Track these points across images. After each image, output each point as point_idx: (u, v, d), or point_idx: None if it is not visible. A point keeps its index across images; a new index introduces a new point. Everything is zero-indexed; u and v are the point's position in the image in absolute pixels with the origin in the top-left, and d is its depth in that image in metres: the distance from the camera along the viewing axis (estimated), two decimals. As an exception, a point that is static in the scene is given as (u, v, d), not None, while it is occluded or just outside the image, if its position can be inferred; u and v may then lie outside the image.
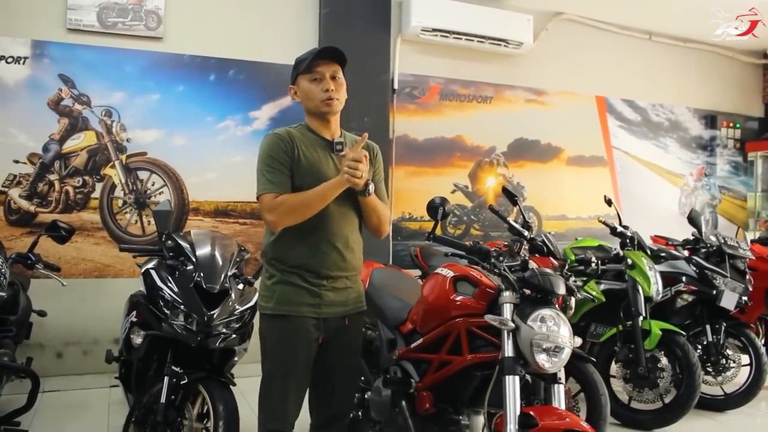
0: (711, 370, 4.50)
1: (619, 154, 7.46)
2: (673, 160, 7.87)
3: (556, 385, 2.49)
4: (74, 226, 4.12)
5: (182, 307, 3.01)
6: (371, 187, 2.39)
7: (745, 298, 4.48)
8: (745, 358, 4.54)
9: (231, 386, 3.01)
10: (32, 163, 4.98)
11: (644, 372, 4.03)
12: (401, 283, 3.60)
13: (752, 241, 5.60)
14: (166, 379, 2.93)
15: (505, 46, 6.42)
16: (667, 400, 4.07)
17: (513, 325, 2.45)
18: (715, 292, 4.43)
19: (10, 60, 4.88)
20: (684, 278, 4.58)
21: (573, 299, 2.68)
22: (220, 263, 3.19)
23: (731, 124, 8.24)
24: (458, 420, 2.78)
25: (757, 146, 8.34)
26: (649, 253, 4.52)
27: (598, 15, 7.11)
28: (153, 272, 3.30)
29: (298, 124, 2.57)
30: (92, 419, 4.15)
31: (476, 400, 2.71)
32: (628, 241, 4.44)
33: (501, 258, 2.66)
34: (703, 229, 4.81)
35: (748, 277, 4.60)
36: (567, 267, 2.85)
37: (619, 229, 4.50)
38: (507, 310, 2.52)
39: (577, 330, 2.67)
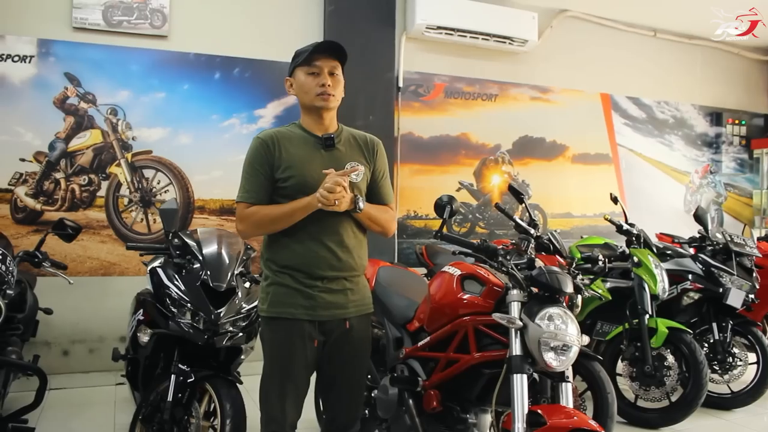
0: (718, 368, 4.48)
1: (625, 152, 7.44)
2: (679, 157, 7.85)
3: (563, 384, 2.48)
4: (80, 225, 4.12)
5: (189, 305, 3.01)
6: (360, 204, 2.35)
7: (751, 295, 4.46)
8: (752, 356, 4.52)
9: (238, 384, 3.03)
10: (38, 162, 4.99)
11: (651, 370, 4.01)
12: (408, 281, 3.59)
13: (759, 239, 5.58)
14: (173, 377, 2.94)
15: (509, 43, 6.42)
16: (673, 398, 4.06)
17: (521, 323, 2.44)
18: (721, 290, 4.41)
19: (16, 58, 4.90)
20: (690, 276, 4.55)
21: (580, 297, 2.67)
22: (227, 261, 3.19)
23: (737, 121, 8.21)
24: (465, 418, 2.78)
25: (763, 143, 8.32)
26: (655, 250, 4.51)
27: (603, 12, 7.10)
28: (160, 270, 3.30)
29: (290, 123, 2.54)
30: (98, 417, 4.16)
31: (484, 399, 2.70)
32: (634, 238, 4.43)
33: (508, 256, 2.66)
34: (710, 227, 4.79)
35: (754, 274, 4.57)
36: (574, 265, 2.85)
37: (625, 226, 4.48)
38: (515, 309, 2.51)
39: (583, 328, 2.67)
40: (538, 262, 2.67)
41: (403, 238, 6.18)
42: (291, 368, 2.38)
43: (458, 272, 2.87)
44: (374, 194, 2.52)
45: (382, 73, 5.96)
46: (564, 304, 2.53)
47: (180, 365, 2.97)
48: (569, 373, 2.49)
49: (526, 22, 6.40)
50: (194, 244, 3.28)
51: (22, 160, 4.95)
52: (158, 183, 5.34)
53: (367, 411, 3.29)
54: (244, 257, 3.35)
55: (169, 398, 2.90)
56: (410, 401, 2.90)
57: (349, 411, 2.56)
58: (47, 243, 3.81)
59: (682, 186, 7.86)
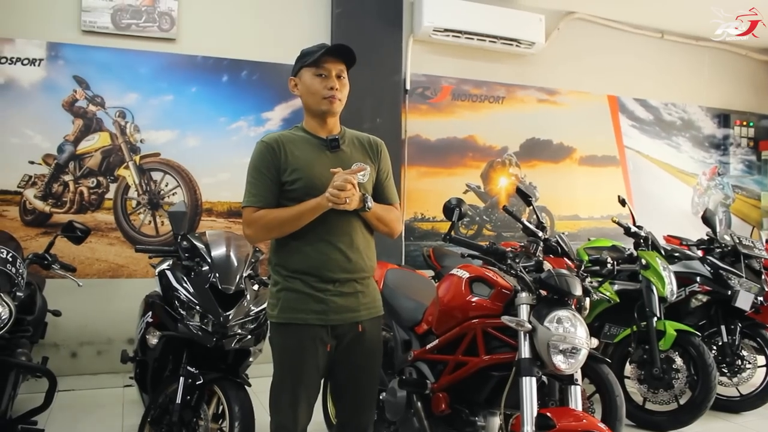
0: (726, 371, 4.46)
1: (632, 154, 7.43)
2: (686, 159, 7.82)
3: (572, 387, 2.48)
4: (89, 227, 4.13)
5: (198, 307, 3.03)
6: (369, 203, 2.33)
7: (760, 298, 4.44)
8: (761, 359, 4.51)
9: (246, 387, 3.03)
10: (47, 164, 5.01)
11: (659, 373, 4.00)
12: (416, 283, 3.59)
13: (767, 241, 5.56)
14: (181, 379, 2.95)
15: (517, 45, 6.41)
16: (682, 401, 4.05)
17: (530, 326, 2.44)
18: (730, 292, 4.40)
19: (25, 62, 4.92)
20: (698, 278, 4.54)
21: (588, 300, 2.67)
22: (235, 264, 3.20)
23: (744, 123, 8.18)
24: (474, 421, 2.77)
25: (771, 145, 8.28)
26: (663, 253, 4.51)
27: (610, 14, 7.08)
28: (168, 273, 3.32)
29: (294, 126, 2.52)
30: (107, 419, 4.17)
31: (492, 402, 2.70)
32: (641, 241, 4.42)
33: (517, 259, 2.66)
34: (718, 229, 4.78)
35: (763, 277, 4.56)
36: (582, 268, 2.85)
37: (633, 229, 4.47)
38: (523, 311, 2.51)
39: (591, 330, 2.66)
40: (547, 265, 2.68)
41: (410, 241, 6.18)
42: (303, 375, 2.35)
43: (467, 275, 2.87)
44: (379, 195, 2.50)
45: (390, 75, 5.96)
46: (572, 306, 2.53)
47: (189, 367, 2.98)
48: (578, 375, 2.50)
49: (533, 24, 6.40)
50: (203, 246, 3.29)
51: (31, 162, 4.96)
52: (166, 185, 5.35)
53: (375, 413, 3.29)
54: (253, 260, 3.36)
55: (178, 400, 2.91)
56: (419, 404, 2.91)
57: (362, 415, 2.53)
58: (55, 245, 3.83)
59: (690, 188, 7.83)
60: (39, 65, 4.97)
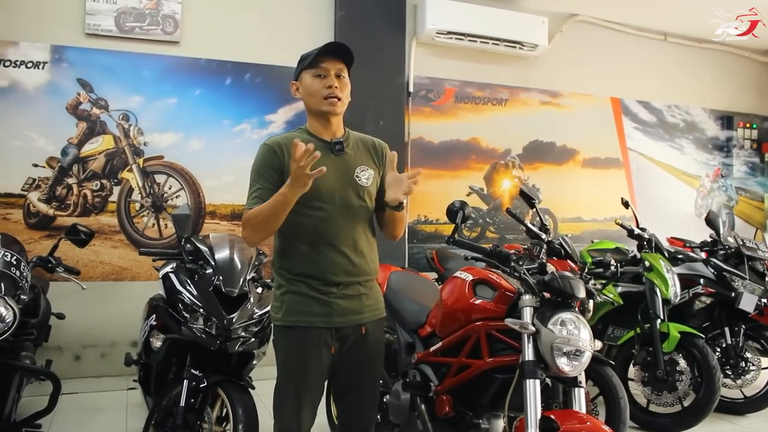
0: (730, 373, 4.45)
1: (635, 156, 7.42)
2: (689, 161, 7.82)
3: (576, 389, 2.48)
4: (93, 230, 4.14)
5: (202, 310, 3.03)
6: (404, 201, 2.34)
7: (764, 300, 4.43)
8: (765, 361, 4.50)
9: (250, 389, 3.03)
10: (51, 167, 5.03)
11: (663, 375, 3.99)
12: (419, 286, 3.59)
13: (771, 243, 5.54)
14: (185, 382, 2.95)
15: (520, 48, 6.42)
16: (686, 403, 4.04)
17: (533, 328, 2.44)
18: (733, 294, 4.38)
19: (29, 65, 4.94)
20: (702, 280, 4.53)
21: (591, 302, 2.67)
22: (239, 267, 3.20)
23: (748, 125, 8.17)
24: (478, 424, 2.77)
25: (774, 147, 8.28)
26: (666, 255, 4.50)
27: (613, 16, 7.09)
28: (172, 276, 3.33)
29: (297, 128, 2.50)
30: (110, 422, 4.17)
31: (496, 404, 2.70)
32: (645, 243, 4.42)
33: (520, 261, 2.66)
34: (721, 231, 4.77)
35: (767, 278, 4.55)
36: (585, 270, 2.85)
37: (636, 231, 4.47)
38: (527, 314, 2.51)
39: (594, 333, 2.66)
40: (550, 267, 2.68)
41: (413, 243, 6.18)
42: (307, 377, 2.35)
43: (470, 277, 2.88)
44: (383, 197, 2.47)
45: (393, 78, 5.97)
46: (576, 309, 2.53)
47: (192, 370, 2.98)
48: (582, 378, 2.49)
49: (537, 26, 6.40)
50: (206, 249, 3.29)
51: (35, 165, 4.98)
52: (170, 188, 5.36)
53: (379, 416, 3.29)
54: (256, 262, 3.36)
55: (182, 403, 2.90)
56: (422, 406, 2.91)
57: (364, 416, 2.53)
58: (59, 248, 3.83)
59: (693, 190, 7.83)
60: (43, 68, 4.98)
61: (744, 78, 8.14)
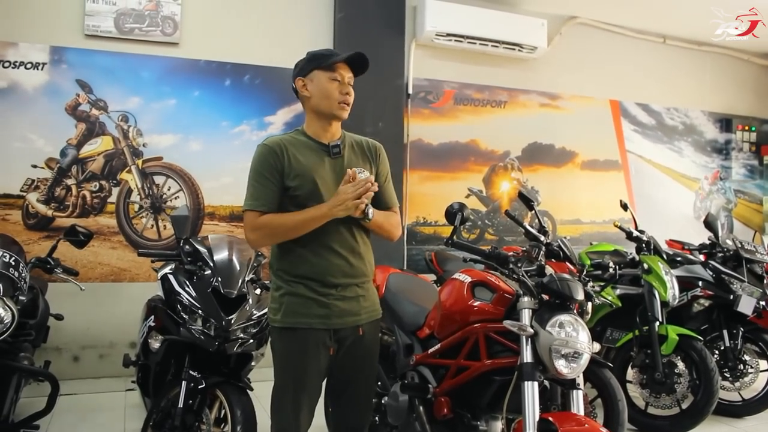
0: (728, 375, 4.45)
1: (634, 158, 7.43)
2: (688, 163, 7.83)
3: (574, 391, 2.48)
4: (92, 231, 4.14)
5: (200, 311, 3.03)
6: (370, 213, 2.35)
7: (762, 302, 4.43)
8: (763, 364, 4.50)
9: (248, 391, 3.03)
10: (50, 168, 5.02)
11: (661, 377, 3.99)
12: (418, 288, 3.59)
13: (769, 246, 5.56)
14: (183, 383, 2.95)
15: (519, 50, 6.42)
16: (684, 405, 4.04)
17: (532, 330, 2.44)
18: (732, 296, 4.39)
19: (29, 66, 4.94)
20: (700, 283, 4.53)
21: (590, 304, 2.67)
22: (238, 268, 3.20)
23: (747, 127, 8.19)
24: (476, 426, 2.77)
25: (773, 149, 8.28)
26: (665, 257, 4.50)
27: (612, 19, 7.09)
28: (171, 277, 3.32)
29: (293, 129, 2.52)
30: (109, 423, 4.17)
31: (494, 406, 2.70)
32: (643, 245, 4.42)
33: (519, 263, 2.66)
34: (720, 234, 4.77)
35: (765, 281, 4.55)
36: (584, 272, 2.85)
37: (635, 233, 4.48)
38: (525, 316, 2.51)
39: (592, 335, 2.66)
40: (549, 270, 2.68)
41: (412, 245, 6.18)
42: (305, 378, 2.37)
43: (469, 279, 2.88)
44: (379, 198, 2.50)
45: (392, 79, 5.96)
46: (574, 311, 2.53)
47: (191, 371, 2.98)
48: (580, 380, 2.49)
49: (536, 29, 6.41)
50: (205, 250, 3.29)
51: (34, 166, 4.98)
52: (168, 189, 5.36)
53: (377, 418, 3.30)
54: (255, 264, 3.36)
55: (180, 404, 2.91)
56: (421, 408, 2.90)
57: (360, 415, 2.56)
58: (58, 249, 3.83)
59: (692, 192, 7.83)
60: (42, 69, 4.98)
61: (743, 81, 8.15)
